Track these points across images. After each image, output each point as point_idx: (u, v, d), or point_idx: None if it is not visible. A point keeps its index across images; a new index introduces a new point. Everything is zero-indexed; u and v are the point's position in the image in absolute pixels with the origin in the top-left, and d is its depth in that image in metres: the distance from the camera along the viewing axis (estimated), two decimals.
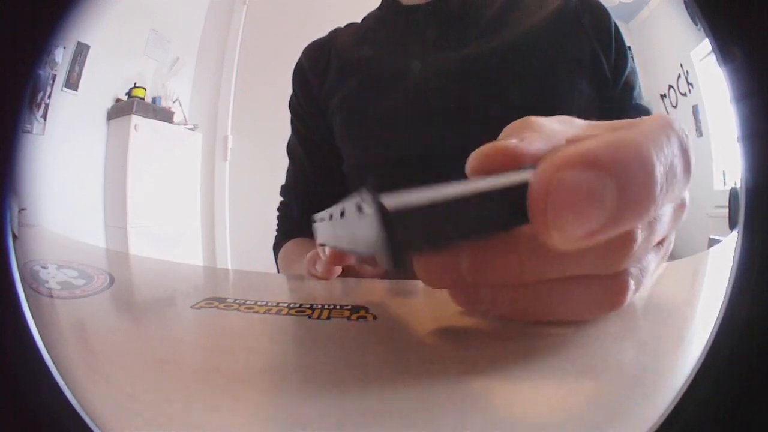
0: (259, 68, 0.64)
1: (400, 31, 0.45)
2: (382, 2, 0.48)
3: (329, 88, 0.46)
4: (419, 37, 0.44)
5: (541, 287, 0.15)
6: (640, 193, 0.11)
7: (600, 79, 0.41)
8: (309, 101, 0.47)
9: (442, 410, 0.13)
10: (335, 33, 0.49)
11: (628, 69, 0.42)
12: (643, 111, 0.42)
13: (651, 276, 0.17)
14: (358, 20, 0.49)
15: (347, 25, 0.49)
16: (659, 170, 0.12)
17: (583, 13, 0.42)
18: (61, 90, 0.51)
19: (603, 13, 0.42)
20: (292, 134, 0.49)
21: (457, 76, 0.41)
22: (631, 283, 0.16)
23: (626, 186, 0.11)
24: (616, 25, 0.42)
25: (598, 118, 0.18)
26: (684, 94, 0.48)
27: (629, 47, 0.42)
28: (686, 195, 0.16)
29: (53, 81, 0.48)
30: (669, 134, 0.13)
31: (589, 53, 0.41)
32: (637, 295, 0.17)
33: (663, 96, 0.49)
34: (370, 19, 0.48)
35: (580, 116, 0.19)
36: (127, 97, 0.61)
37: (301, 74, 0.48)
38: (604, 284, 0.15)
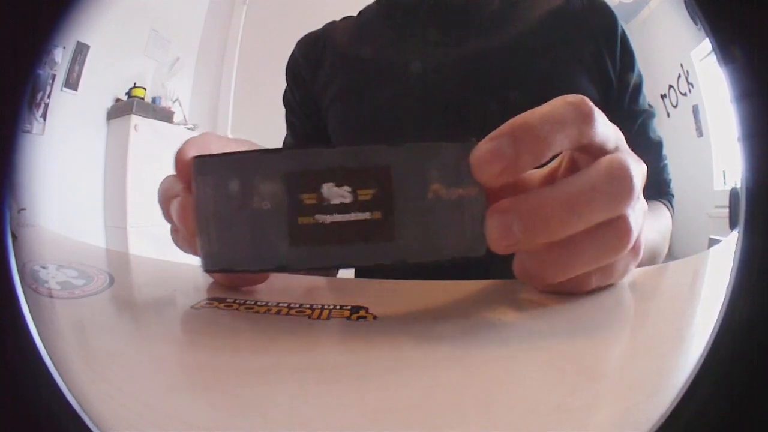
0: (259, 68, 0.64)
1: (399, 26, 0.45)
2: None
3: (324, 81, 0.46)
4: (418, 33, 0.44)
5: (572, 240, 0.19)
6: (528, 142, 0.18)
7: (603, 80, 0.41)
8: (302, 94, 0.47)
9: (442, 410, 0.13)
10: (330, 26, 0.48)
11: (635, 73, 0.42)
12: (648, 114, 0.42)
13: (642, 220, 0.21)
14: (331, 23, 0.49)
15: (343, 19, 0.49)
16: (532, 122, 0.18)
17: (590, 14, 0.41)
18: (61, 90, 0.51)
19: (610, 15, 0.42)
20: (287, 130, 0.48)
21: (457, 73, 0.41)
22: (631, 222, 0.19)
23: (516, 141, 0.17)
24: (623, 28, 0.41)
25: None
26: (684, 94, 0.48)
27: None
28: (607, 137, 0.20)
29: (53, 81, 0.48)
30: (557, 103, 0.19)
31: (593, 53, 0.40)
32: (636, 236, 0.20)
33: (663, 96, 0.49)
34: (368, 12, 0.48)
35: None
36: (127, 97, 0.61)
37: (295, 67, 0.48)
38: (613, 227, 0.19)
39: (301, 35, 0.49)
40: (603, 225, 0.19)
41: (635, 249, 0.21)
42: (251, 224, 0.18)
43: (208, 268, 0.19)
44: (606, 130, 0.20)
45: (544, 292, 0.22)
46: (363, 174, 0.17)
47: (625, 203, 0.19)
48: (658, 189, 0.41)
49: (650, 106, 0.43)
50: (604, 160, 0.19)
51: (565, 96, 0.19)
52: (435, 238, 0.18)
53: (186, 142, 0.22)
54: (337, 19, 0.49)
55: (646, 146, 0.41)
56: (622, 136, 0.22)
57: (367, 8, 0.48)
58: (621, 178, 0.19)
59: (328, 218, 0.17)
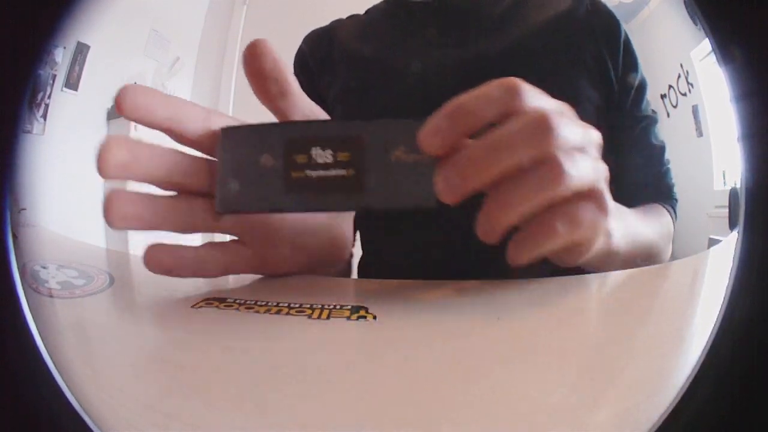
0: None
1: (404, 26, 0.45)
2: None
3: (329, 78, 0.46)
4: (422, 33, 0.44)
5: (507, 180, 0.21)
6: (459, 117, 0.22)
7: (605, 83, 0.41)
8: (310, 86, 0.47)
9: (441, 410, 0.13)
10: (338, 23, 0.48)
11: (637, 77, 0.42)
12: (650, 120, 0.42)
13: (593, 170, 0.22)
14: (338, 20, 0.49)
15: (350, 17, 0.49)
16: (464, 101, 0.22)
17: (593, 17, 0.42)
18: (61, 90, 0.51)
19: (613, 19, 0.42)
20: None
21: (457, 74, 0.41)
22: (562, 160, 0.21)
23: (449, 117, 0.22)
24: (626, 34, 0.42)
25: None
26: (684, 94, 0.48)
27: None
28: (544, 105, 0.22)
29: (53, 81, 0.48)
30: (490, 84, 0.22)
31: (595, 57, 0.41)
32: (580, 180, 0.21)
33: (663, 96, 0.49)
34: (375, 12, 0.48)
35: (583, 117, 0.25)
36: None
37: (303, 60, 0.47)
38: (544, 165, 0.21)
39: (302, 35, 0.49)
40: (534, 165, 0.21)
41: (600, 203, 0.22)
42: (259, 176, 0.23)
43: (223, 209, 0.24)
44: (542, 103, 0.22)
45: (521, 264, 0.23)
46: (342, 141, 0.23)
47: (545, 141, 0.21)
48: (660, 194, 0.41)
49: (654, 112, 0.43)
50: (529, 113, 0.22)
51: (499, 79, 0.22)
52: (396, 192, 0.23)
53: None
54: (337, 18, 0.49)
55: (648, 151, 0.41)
56: (570, 112, 0.23)
57: (375, 7, 0.48)
58: (538, 120, 0.21)
59: (314, 173, 0.23)
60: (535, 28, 0.41)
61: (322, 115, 0.26)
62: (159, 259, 0.23)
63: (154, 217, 0.24)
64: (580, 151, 0.22)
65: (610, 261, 0.27)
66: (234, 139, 0.24)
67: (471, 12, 0.43)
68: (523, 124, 0.21)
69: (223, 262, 0.25)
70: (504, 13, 0.43)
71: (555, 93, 0.22)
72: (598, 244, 0.23)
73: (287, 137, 0.23)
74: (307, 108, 0.26)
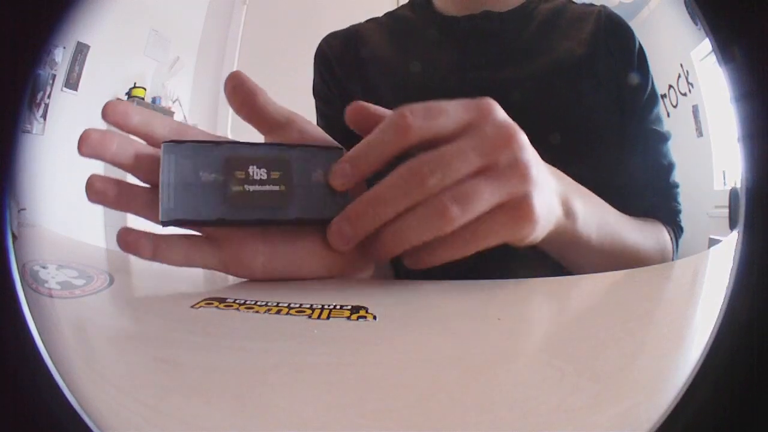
0: (259, 68, 0.64)
1: (437, 43, 0.44)
2: (414, 5, 0.47)
3: (358, 84, 0.45)
4: (457, 52, 0.43)
5: (397, 219, 0.24)
6: (360, 161, 0.26)
7: (621, 101, 0.41)
8: (336, 85, 0.46)
9: (441, 410, 0.13)
10: (360, 27, 0.47)
11: (647, 93, 0.41)
12: (659, 136, 0.42)
13: (484, 199, 0.24)
14: (359, 24, 0.48)
15: (369, 21, 0.48)
16: (361, 149, 0.26)
17: (610, 35, 0.41)
18: (61, 90, 0.51)
19: (628, 33, 0.42)
20: (320, 121, 0.46)
21: (495, 97, 0.41)
22: (449, 202, 0.23)
23: (351, 161, 0.26)
24: (640, 46, 0.41)
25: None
26: (684, 94, 0.48)
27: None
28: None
29: (53, 81, 0.48)
30: (389, 117, 0.25)
31: (614, 75, 0.40)
32: (468, 215, 0.23)
33: (663, 96, 0.49)
34: (400, 20, 0.47)
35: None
36: (127, 97, 0.61)
37: (326, 61, 0.46)
38: (428, 206, 0.23)
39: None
40: (421, 204, 0.24)
41: (516, 211, 0.24)
42: (200, 190, 0.25)
43: (165, 219, 0.25)
44: (437, 126, 0.24)
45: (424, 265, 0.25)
46: (274, 162, 0.26)
47: (422, 188, 0.23)
48: (662, 213, 0.40)
49: (667, 132, 0.42)
50: (403, 165, 0.24)
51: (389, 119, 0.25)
52: (316, 205, 0.26)
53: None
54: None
55: (652, 169, 0.41)
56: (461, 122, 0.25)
57: (399, 15, 0.47)
58: (413, 169, 0.23)
59: (251, 188, 0.26)
60: (564, 51, 0.41)
61: (290, 115, 0.29)
62: (123, 237, 0.25)
63: (120, 197, 0.25)
64: (483, 172, 0.24)
65: (582, 247, 0.27)
66: (176, 154, 0.26)
67: (507, 34, 0.43)
68: (402, 172, 0.24)
69: (183, 252, 0.26)
70: (536, 36, 0.43)
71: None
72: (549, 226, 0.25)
73: (227, 155, 0.26)
74: (278, 114, 0.28)
